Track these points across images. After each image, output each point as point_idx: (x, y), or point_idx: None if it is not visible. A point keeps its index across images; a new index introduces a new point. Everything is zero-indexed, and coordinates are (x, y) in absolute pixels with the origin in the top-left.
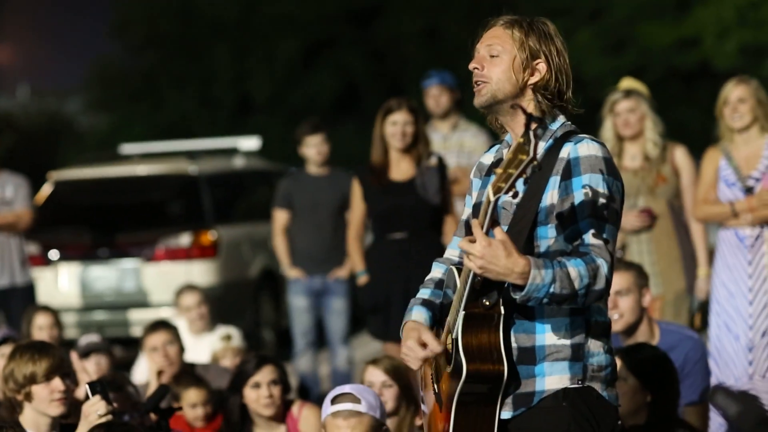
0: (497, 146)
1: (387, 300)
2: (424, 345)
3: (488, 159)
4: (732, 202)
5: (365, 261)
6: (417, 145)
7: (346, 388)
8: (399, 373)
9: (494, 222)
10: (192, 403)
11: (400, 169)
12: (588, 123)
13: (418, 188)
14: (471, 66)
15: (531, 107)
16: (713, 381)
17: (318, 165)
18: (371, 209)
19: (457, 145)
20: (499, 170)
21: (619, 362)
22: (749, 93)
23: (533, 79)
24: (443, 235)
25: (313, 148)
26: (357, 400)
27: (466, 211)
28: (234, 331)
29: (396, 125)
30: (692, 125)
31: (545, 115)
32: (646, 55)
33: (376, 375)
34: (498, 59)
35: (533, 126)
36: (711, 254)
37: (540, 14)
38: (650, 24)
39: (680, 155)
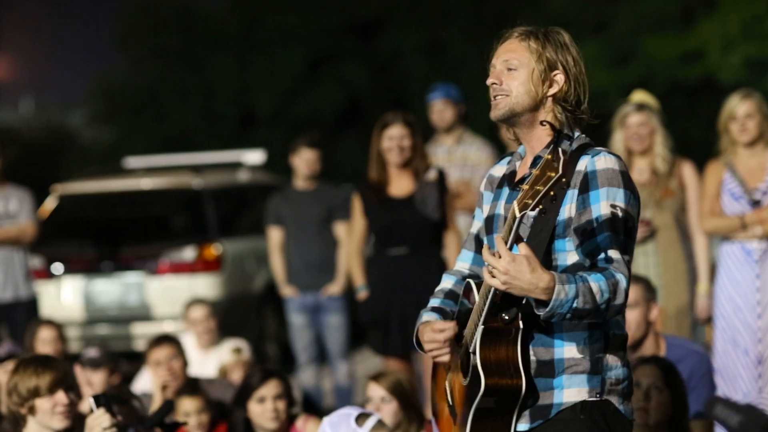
0: (508, 158)
1: (386, 315)
2: (440, 331)
3: (499, 171)
4: (741, 214)
5: (365, 276)
6: (415, 158)
7: (352, 411)
8: (399, 389)
9: (518, 238)
10: (185, 412)
11: (400, 184)
12: (593, 136)
13: (417, 203)
14: (489, 81)
15: (550, 120)
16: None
17: (304, 178)
18: (371, 225)
19: (462, 158)
20: (525, 186)
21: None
22: (756, 108)
23: (552, 91)
24: (444, 250)
25: (304, 162)
26: (371, 413)
27: (475, 224)
28: (244, 345)
29: (392, 140)
30: (696, 139)
31: (564, 128)
32: (650, 68)
33: (375, 390)
34: (516, 72)
35: (561, 142)
36: (712, 269)
37: (545, 26)
38: (655, 37)
39: (688, 171)
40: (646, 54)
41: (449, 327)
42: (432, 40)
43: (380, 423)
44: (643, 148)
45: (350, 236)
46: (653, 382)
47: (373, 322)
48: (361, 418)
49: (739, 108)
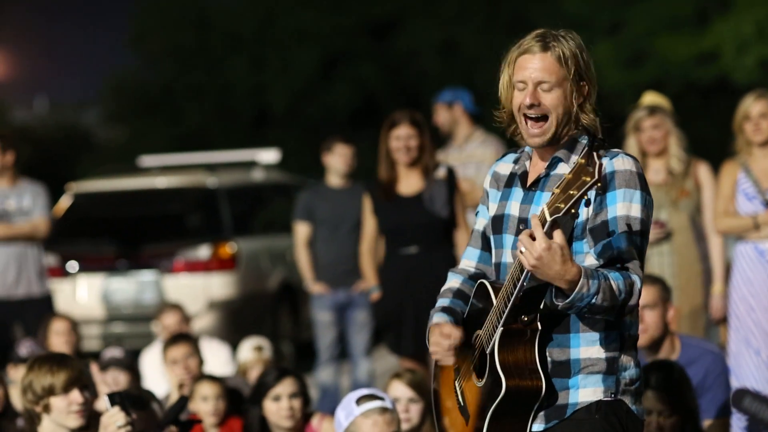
0: (512, 155)
1: (399, 316)
2: (447, 337)
3: (505, 169)
4: (754, 214)
5: (378, 276)
6: (423, 157)
7: (363, 391)
8: (424, 388)
9: (555, 224)
10: (203, 395)
11: (409, 182)
12: (608, 137)
13: (425, 202)
14: (527, 102)
15: (584, 124)
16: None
17: (341, 176)
18: (381, 225)
19: (468, 156)
20: (557, 190)
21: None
22: None
23: (581, 101)
24: (455, 248)
25: (342, 158)
26: (381, 398)
27: (480, 222)
28: (265, 343)
29: (399, 140)
30: (710, 140)
31: (597, 132)
32: (664, 69)
33: (401, 390)
34: (553, 91)
35: (596, 148)
36: (728, 269)
37: (558, 27)
38: (669, 38)
39: (703, 171)
40: (660, 55)
41: (456, 335)
42: (446, 39)
43: (382, 409)
44: (658, 150)
45: (363, 236)
46: (662, 409)
47: (386, 322)
48: (363, 400)
49: (753, 108)
